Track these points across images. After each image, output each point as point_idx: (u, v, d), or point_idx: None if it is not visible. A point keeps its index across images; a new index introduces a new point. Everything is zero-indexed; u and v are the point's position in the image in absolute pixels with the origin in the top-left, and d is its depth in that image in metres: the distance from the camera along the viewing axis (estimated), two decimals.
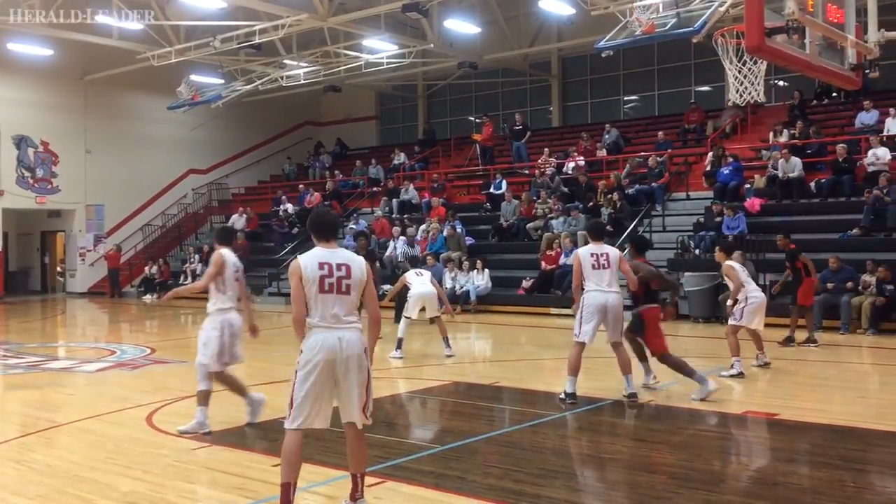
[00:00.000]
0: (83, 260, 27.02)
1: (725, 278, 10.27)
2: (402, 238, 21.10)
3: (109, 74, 25.08)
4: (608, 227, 18.43)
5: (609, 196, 19.26)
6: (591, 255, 8.11)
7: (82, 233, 26.96)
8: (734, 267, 9.90)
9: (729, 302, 10.18)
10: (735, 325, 9.86)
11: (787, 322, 12.66)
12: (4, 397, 9.83)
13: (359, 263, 4.79)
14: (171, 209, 29.08)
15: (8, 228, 26.07)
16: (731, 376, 9.45)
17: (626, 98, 27.24)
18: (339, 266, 4.69)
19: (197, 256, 25.16)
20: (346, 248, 5.86)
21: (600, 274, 8.06)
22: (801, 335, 12.39)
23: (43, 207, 26.29)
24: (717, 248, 10.72)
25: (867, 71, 7.53)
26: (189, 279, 24.81)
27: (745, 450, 6.98)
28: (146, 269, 25.69)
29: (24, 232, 28.35)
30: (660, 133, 22.20)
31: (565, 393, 8.07)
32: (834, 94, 21.18)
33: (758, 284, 14.90)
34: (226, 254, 7.42)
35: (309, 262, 4.67)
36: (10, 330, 17.34)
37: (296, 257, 4.78)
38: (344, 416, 4.75)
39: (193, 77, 24.56)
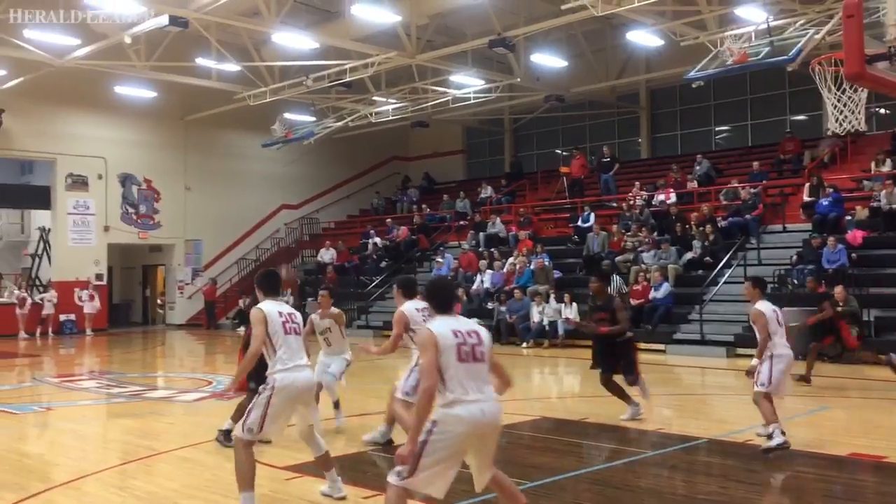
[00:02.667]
0: (181, 293, 28.01)
1: (753, 325, 7.75)
2: (489, 271, 21.12)
3: (208, 114, 26.14)
4: (706, 259, 18.12)
5: (701, 228, 18.83)
6: (773, 310, 7.70)
7: (181, 266, 27.98)
8: (764, 313, 7.56)
9: (754, 361, 7.68)
10: (764, 393, 7.50)
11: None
12: (107, 425, 10.23)
13: (484, 331, 4.76)
14: (264, 243, 29.91)
15: (112, 263, 27.28)
16: (774, 448, 7.34)
17: (717, 128, 26.70)
18: (469, 333, 4.62)
19: (288, 290, 25.72)
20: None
21: (780, 331, 7.68)
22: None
23: (145, 242, 27.45)
24: (746, 281, 8.14)
25: None
26: None
27: (849, 494, 6.64)
28: (240, 301, 26.35)
29: (127, 266, 29.62)
30: (755, 163, 21.64)
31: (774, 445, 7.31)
32: None
33: (863, 322, 14.50)
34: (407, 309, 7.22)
35: (442, 330, 4.56)
36: (113, 360, 18.10)
37: (428, 329, 4.63)
38: (479, 483, 4.70)
39: (287, 115, 25.39)
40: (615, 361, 9.18)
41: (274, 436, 6.05)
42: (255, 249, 29.63)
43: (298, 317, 5.88)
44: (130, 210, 26.69)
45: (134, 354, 20.00)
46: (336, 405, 8.77)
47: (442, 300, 4.77)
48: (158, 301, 29.72)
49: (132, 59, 20.43)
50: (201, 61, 21.83)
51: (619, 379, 9.23)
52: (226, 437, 7.62)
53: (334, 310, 8.86)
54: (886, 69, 6.13)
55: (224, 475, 6.79)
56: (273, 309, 5.73)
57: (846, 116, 9.09)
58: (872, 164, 19.08)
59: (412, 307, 7.15)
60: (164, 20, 16.90)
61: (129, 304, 29.86)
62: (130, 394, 12.26)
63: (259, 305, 5.78)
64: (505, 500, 4.83)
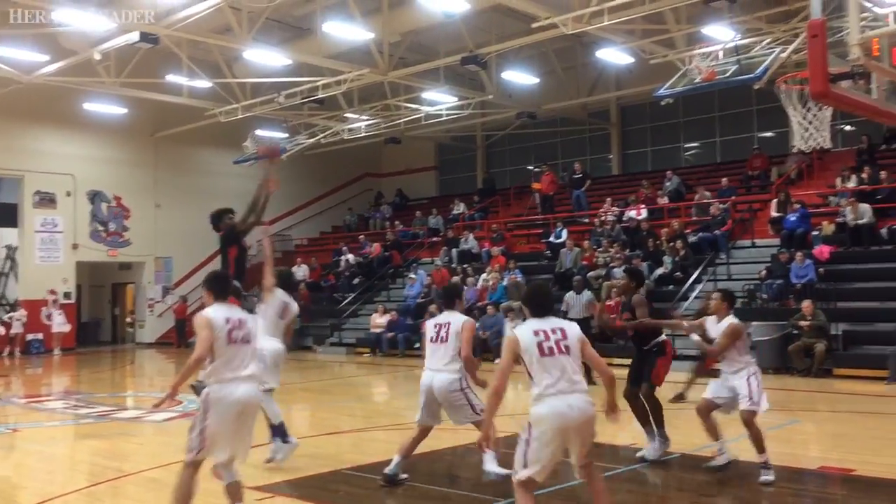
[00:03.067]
0: (151, 311, 27.70)
1: (724, 337, 7.25)
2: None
3: (179, 131, 25.96)
4: (676, 275, 18.27)
5: (672, 244, 19.01)
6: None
7: (151, 284, 27.69)
8: (739, 327, 7.26)
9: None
10: (751, 412, 7.04)
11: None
12: (75, 447, 10.06)
13: (573, 327, 5.07)
14: None
15: (81, 281, 26.90)
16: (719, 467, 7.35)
17: (686, 145, 27.02)
18: (553, 330, 4.94)
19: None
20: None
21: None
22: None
23: (114, 260, 27.13)
24: (716, 293, 7.64)
25: None
26: None
27: None
28: None
29: (96, 284, 29.23)
30: (724, 179, 21.92)
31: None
32: None
33: (830, 335, 14.69)
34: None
35: (524, 333, 4.91)
36: (82, 380, 17.82)
37: (513, 333, 5.02)
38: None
39: (259, 132, 25.29)
40: (641, 370, 8.08)
41: (223, 456, 5.51)
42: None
43: (252, 323, 5.55)
44: (100, 227, 26.37)
45: (103, 374, 19.72)
46: (274, 430, 7.70)
47: (537, 304, 5.09)
48: (128, 319, 29.36)
49: (102, 76, 20.26)
50: (172, 78, 21.69)
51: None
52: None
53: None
54: (850, 88, 6.24)
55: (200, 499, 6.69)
56: (220, 315, 5.42)
57: (812, 134, 9.25)
58: (838, 180, 19.40)
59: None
60: (134, 36, 16.81)
61: (98, 323, 29.45)
62: (99, 414, 12.08)
63: (204, 310, 5.47)
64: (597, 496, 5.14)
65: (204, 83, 21.72)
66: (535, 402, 4.79)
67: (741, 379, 7.13)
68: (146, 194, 27.23)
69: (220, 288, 5.66)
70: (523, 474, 4.88)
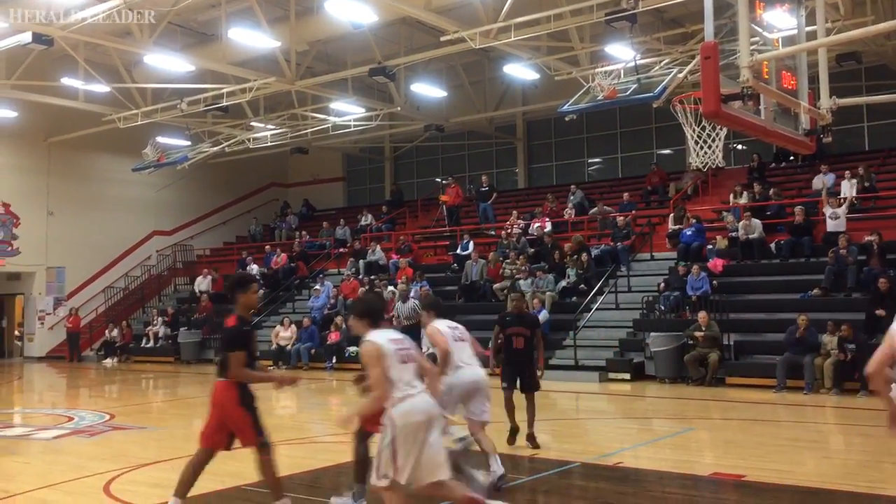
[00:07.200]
0: (42, 323, 26.46)
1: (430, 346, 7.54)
2: None
3: (74, 136, 24.98)
4: (580, 287, 18.68)
5: (575, 257, 19.42)
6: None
7: (42, 295, 26.46)
8: (440, 331, 7.28)
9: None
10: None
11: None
12: None
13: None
14: (134, 271, 28.70)
15: None
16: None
17: (590, 160, 27.71)
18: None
19: (161, 319, 24.78)
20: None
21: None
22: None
23: (2, 270, 25.81)
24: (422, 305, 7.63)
25: (821, 136, 7.75)
26: (151, 342, 24.44)
27: None
28: (107, 332, 25.23)
29: None
30: (625, 194, 22.57)
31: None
32: (791, 158, 21.77)
33: (723, 345, 15.28)
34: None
35: (382, 340, 5.09)
36: None
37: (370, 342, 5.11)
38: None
39: (160, 139, 24.52)
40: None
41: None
42: (124, 277, 28.38)
43: None
44: None
45: None
46: None
47: (374, 315, 5.28)
48: (16, 332, 27.93)
49: None
50: (67, 81, 20.85)
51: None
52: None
53: None
54: (740, 108, 6.52)
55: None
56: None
57: (706, 152, 9.62)
58: (731, 197, 20.26)
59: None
60: (26, 37, 16.09)
61: None
62: None
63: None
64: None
65: (102, 87, 20.98)
66: (397, 401, 4.97)
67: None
68: (38, 201, 26.04)
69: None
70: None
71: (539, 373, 8.81)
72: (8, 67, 19.45)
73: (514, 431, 8.70)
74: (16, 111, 23.29)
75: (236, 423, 5.94)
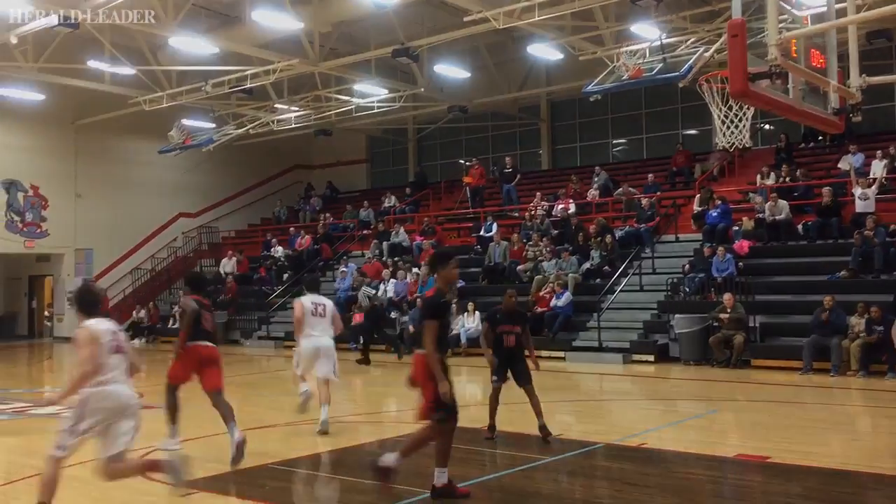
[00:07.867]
0: (71, 305, 26.82)
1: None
2: (392, 280, 21.12)
3: (101, 119, 25.18)
4: (604, 269, 18.60)
5: (599, 238, 19.33)
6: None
7: (70, 277, 26.80)
8: (303, 305, 9.03)
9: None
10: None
11: None
12: None
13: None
14: (160, 253, 28.99)
15: None
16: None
17: (614, 141, 27.51)
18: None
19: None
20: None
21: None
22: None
23: (31, 252, 26.17)
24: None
25: (850, 115, 7.63)
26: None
27: (737, 494, 6.93)
28: (134, 313, 25.54)
29: (13, 276, 28.19)
30: (650, 175, 22.39)
31: None
32: (819, 138, 21.44)
33: (748, 327, 15.17)
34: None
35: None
36: None
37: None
38: None
39: (185, 121, 24.69)
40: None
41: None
42: (151, 259, 28.68)
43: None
44: (15, 218, 25.39)
45: (19, 369, 19.04)
46: None
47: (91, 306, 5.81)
48: (46, 313, 28.37)
49: (19, 61, 19.50)
50: (94, 64, 21.02)
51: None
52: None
53: None
54: (768, 87, 6.44)
55: (116, 494, 6.54)
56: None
57: (733, 132, 9.49)
58: (758, 178, 20.03)
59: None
60: (53, 20, 16.21)
61: (14, 317, 28.38)
62: (14, 410, 11.66)
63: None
64: None
65: (127, 70, 21.12)
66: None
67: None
68: (66, 184, 26.33)
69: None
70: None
71: (533, 367, 8.81)
72: (35, 50, 19.61)
73: (491, 429, 8.70)
74: (43, 94, 23.50)
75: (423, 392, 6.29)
